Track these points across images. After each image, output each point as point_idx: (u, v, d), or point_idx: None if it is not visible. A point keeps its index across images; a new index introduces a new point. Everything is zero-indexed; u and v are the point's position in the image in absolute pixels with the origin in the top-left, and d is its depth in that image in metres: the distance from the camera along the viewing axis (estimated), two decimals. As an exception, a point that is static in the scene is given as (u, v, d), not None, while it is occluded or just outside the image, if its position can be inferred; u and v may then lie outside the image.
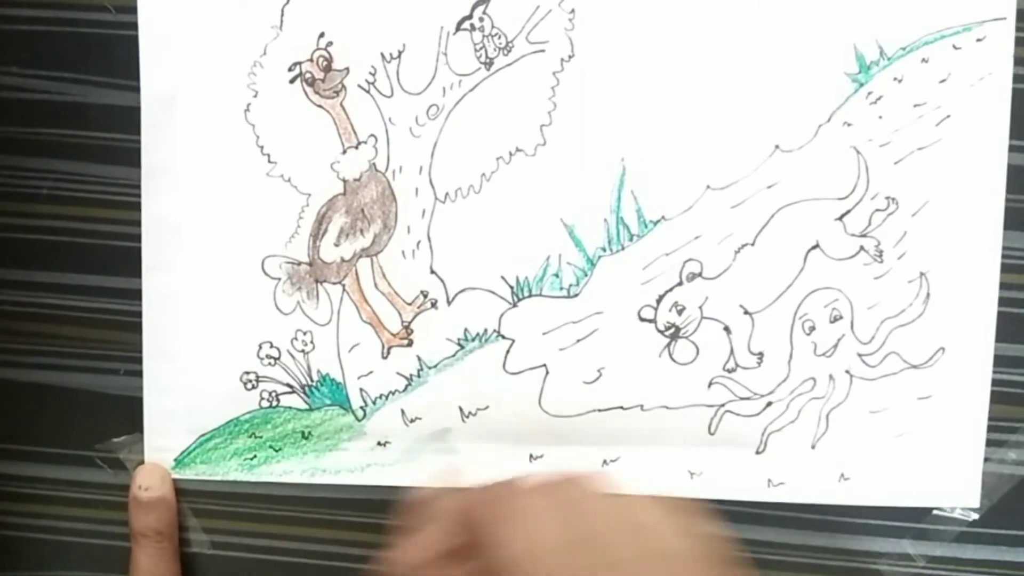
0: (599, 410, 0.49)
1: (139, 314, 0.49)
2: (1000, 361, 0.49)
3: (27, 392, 0.51)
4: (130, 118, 0.48)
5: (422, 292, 0.49)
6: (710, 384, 0.49)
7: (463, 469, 0.49)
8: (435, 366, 0.49)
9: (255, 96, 0.48)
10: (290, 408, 0.50)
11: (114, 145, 0.49)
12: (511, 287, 0.49)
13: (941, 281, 0.48)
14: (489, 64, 0.47)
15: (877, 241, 0.48)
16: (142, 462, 0.50)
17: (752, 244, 0.48)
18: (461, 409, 0.49)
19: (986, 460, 0.50)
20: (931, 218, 0.48)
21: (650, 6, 0.47)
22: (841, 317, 0.49)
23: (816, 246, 0.48)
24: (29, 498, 0.52)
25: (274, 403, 0.50)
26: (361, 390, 0.49)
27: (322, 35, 0.47)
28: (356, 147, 0.48)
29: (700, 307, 0.49)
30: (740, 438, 0.49)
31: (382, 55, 0.47)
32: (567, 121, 0.47)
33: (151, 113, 0.48)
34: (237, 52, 0.47)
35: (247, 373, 0.49)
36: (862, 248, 0.48)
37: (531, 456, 0.49)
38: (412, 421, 0.50)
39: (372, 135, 0.48)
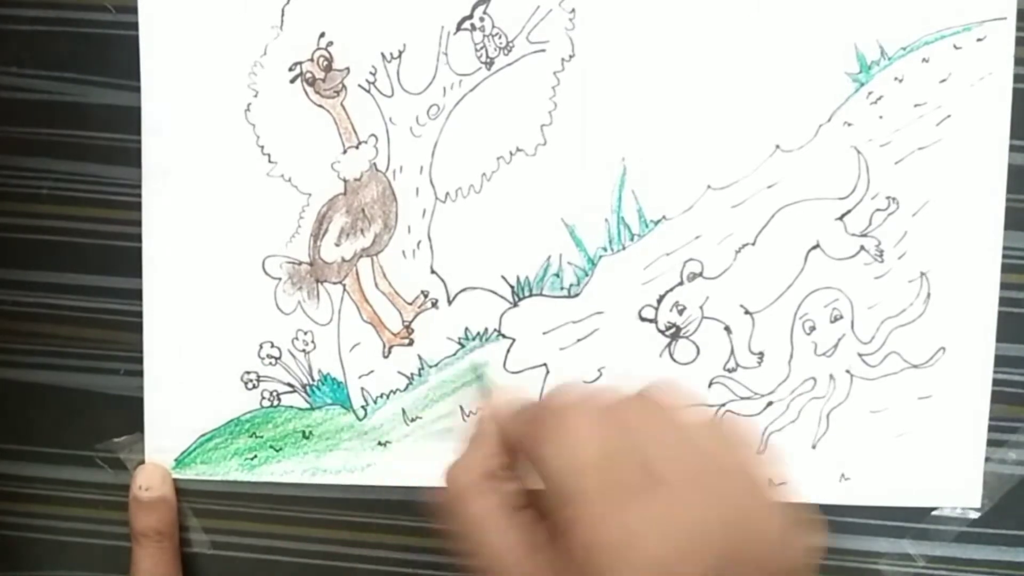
0: (599, 410, 0.49)
1: (139, 314, 0.49)
2: (1000, 361, 0.49)
3: (27, 392, 0.51)
4: (130, 118, 0.48)
5: (423, 292, 0.49)
6: (711, 384, 0.49)
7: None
8: (436, 365, 0.49)
9: (255, 96, 0.48)
10: (291, 408, 0.50)
11: (114, 145, 0.49)
12: (512, 287, 0.49)
13: (941, 281, 0.48)
14: (490, 64, 0.47)
15: (877, 241, 0.48)
16: (142, 462, 0.50)
17: (753, 244, 0.48)
18: (462, 409, 0.49)
19: (986, 460, 0.50)
20: (931, 218, 0.48)
21: (650, 6, 0.47)
22: (841, 317, 0.49)
23: (816, 246, 0.48)
24: (29, 498, 0.51)
25: (275, 403, 0.50)
26: (362, 389, 0.49)
27: (322, 35, 0.47)
28: (356, 147, 0.48)
29: (701, 307, 0.49)
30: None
31: (382, 55, 0.47)
32: (568, 121, 0.48)
33: (151, 113, 0.48)
34: (237, 52, 0.47)
35: (248, 373, 0.49)
36: (862, 248, 0.48)
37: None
38: (413, 421, 0.50)
39: (372, 135, 0.48)
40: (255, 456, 0.50)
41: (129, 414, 0.50)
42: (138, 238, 0.49)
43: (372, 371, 0.49)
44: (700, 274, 0.48)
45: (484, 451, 0.41)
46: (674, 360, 0.49)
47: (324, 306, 0.49)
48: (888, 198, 0.48)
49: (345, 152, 0.48)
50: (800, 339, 0.49)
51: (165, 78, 0.48)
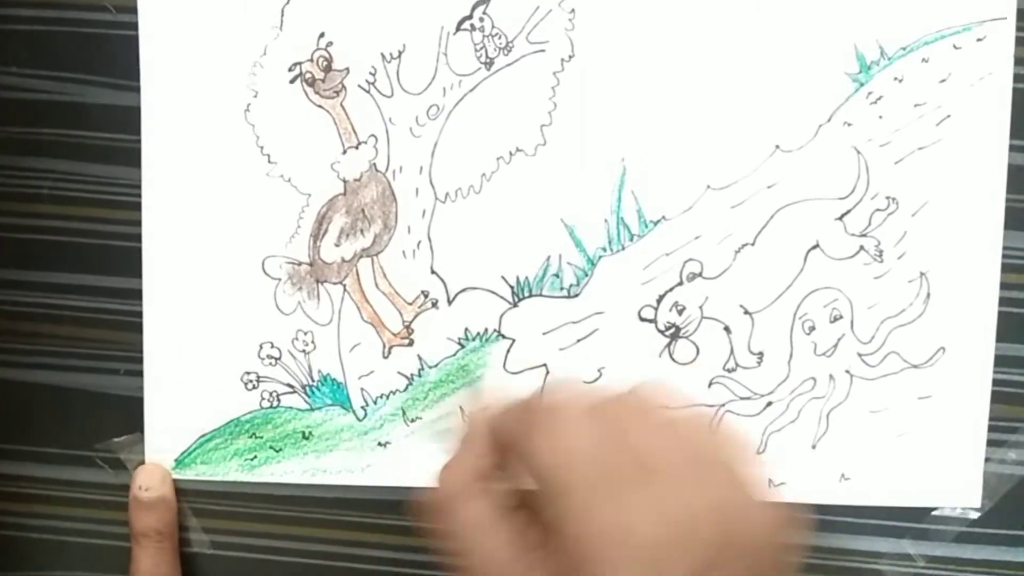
0: (599, 410, 0.49)
1: (139, 314, 0.49)
2: (1000, 361, 0.49)
3: (27, 392, 0.51)
4: (130, 118, 0.48)
5: (423, 292, 0.49)
6: (710, 384, 0.49)
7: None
8: (436, 366, 0.49)
9: (255, 96, 0.48)
10: (291, 408, 0.50)
11: (114, 145, 0.49)
12: (511, 287, 0.49)
13: (941, 281, 0.48)
14: (489, 64, 0.47)
15: (877, 241, 0.48)
16: (142, 462, 0.50)
17: (752, 244, 0.48)
18: (461, 409, 0.49)
19: (986, 460, 0.50)
20: (931, 218, 0.48)
21: (650, 6, 0.47)
22: (841, 317, 0.49)
23: (816, 246, 0.48)
24: (29, 498, 0.51)
25: (275, 403, 0.50)
26: (362, 390, 0.49)
27: (322, 35, 0.47)
28: (356, 147, 0.48)
29: (700, 307, 0.49)
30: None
31: (382, 55, 0.47)
32: (567, 121, 0.48)
33: (151, 113, 0.48)
34: (237, 52, 0.47)
35: (248, 373, 0.49)
36: (862, 248, 0.48)
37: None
38: (412, 421, 0.50)
39: (372, 135, 0.48)
40: (255, 456, 0.50)
41: (129, 414, 0.50)
42: (138, 238, 0.49)
43: (372, 371, 0.49)
44: (700, 274, 0.48)
45: (475, 452, 0.40)
46: (674, 360, 0.49)
47: (324, 306, 0.49)
48: (888, 198, 0.48)
49: (345, 152, 0.48)
50: (800, 339, 0.49)
51: (165, 78, 0.48)
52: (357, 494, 0.50)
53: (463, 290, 0.49)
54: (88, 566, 0.52)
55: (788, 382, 0.49)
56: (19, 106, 0.49)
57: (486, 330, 0.49)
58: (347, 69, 0.47)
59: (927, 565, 0.51)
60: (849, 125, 0.48)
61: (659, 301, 0.49)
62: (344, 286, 0.49)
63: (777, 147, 0.48)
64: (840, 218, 0.48)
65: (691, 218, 0.48)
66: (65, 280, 0.50)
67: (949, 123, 0.48)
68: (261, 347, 0.49)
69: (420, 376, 0.49)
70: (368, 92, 0.48)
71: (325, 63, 0.47)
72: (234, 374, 0.49)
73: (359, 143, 0.48)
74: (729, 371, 0.49)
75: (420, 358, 0.49)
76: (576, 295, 0.49)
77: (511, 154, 0.48)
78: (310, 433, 0.50)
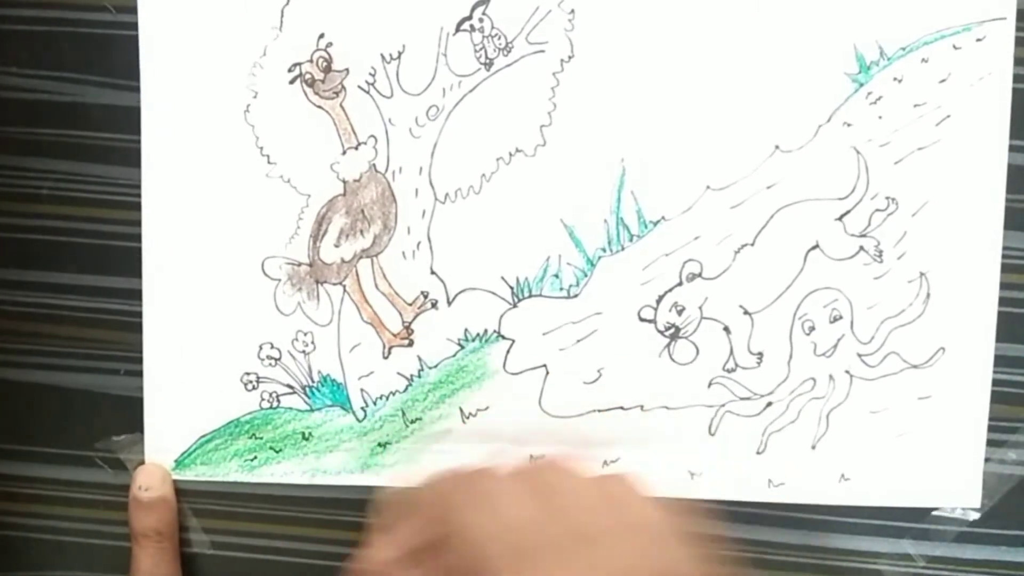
0: (599, 410, 0.49)
1: (139, 314, 0.49)
2: (1000, 361, 0.49)
3: (27, 392, 0.51)
4: (130, 118, 0.48)
5: (422, 292, 0.49)
6: (710, 384, 0.49)
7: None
8: (436, 366, 0.49)
9: (255, 97, 0.48)
10: (291, 409, 0.50)
11: (114, 145, 0.49)
12: (511, 287, 0.49)
13: (941, 281, 0.48)
14: (489, 65, 0.47)
15: (877, 241, 0.48)
16: (142, 462, 0.50)
17: (752, 244, 0.48)
18: (461, 410, 0.49)
19: (986, 460, 0.50)
20: (931, 218, 0.48)
21: (650, 7, 0.47)
22: (841, 317, 0.49)
23: (816, 246, 0.48)
24: (29, 498, 0.52)
25: (275, 404, 0.50)
26: (362, 390, 0.49)
27: (322, 36, 0.47)
28: (356, 148, 0.48)
29: (700, 307, 0.49)
30: (740, 438, 0.49)
31: (382, 56, 0.47)
32: (567, 122, 0.47)
33: (151, 113, 0.48)
34: (237, 52, 0.47)
35: (247, 374, 0.49)
36: (862, 248, 0.48)
37: (531, 456, 0.49)
38: (412, 422, 0.50)
39: (372, 136, 0.48)
40: (255, 457, 0.50)
41: (129, 414, 0.50)
42: (138, 238, 0.49)
43: (372, 372, 0.49)
44: (699, 274, 0.48)
45: (402, 533, 0.40)
46: (673, 360, 0.49)
47: (324, 307, 0.49)
48: (887, 198, 0.48)
49: (344, 153, 0.48)
50: (799, 339, 0.49)
51: (165, 78, 0.48)
52: (357, 494, 0.50)
53: (463, 291, 0.49)
54: (88, 566, 0.52)
55: (788, 382, 0.49)
56: (19, 106, 0.49)
57: (486, 331, 0.49)
58: (347, 70, 0.47)
59: (927, 565, 0.51)
60: (849, 125, 0.48)
61: (659, 301, 0.49)
62: (344, 287, 0.49)
63: (777, 147, 0.48)
64: (840, 218, 0.48)
65: (691, 218, 0.48)
66: (65, 280, 0.50)
67: (949, 123, 0.48)
68: (261, 348, 0.49)
69: (420, 377, 0.49)
70: (368, 93, 0.48)
71: (325, 64, 0.47)
72: (234, 375, 0.49)
73: (359, 144, 0.48)
74: (729, 371, 0.49)
75: (420, 359, 0.49)
76: (576, 295, 0.49)
77: (511, 155, 0.48)
78: (310, 434, 0.50)
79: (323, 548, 0.51)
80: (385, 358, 0.49)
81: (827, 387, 0.49)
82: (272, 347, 0.49)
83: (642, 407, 0.49)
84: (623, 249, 0.48)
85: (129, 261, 0.49)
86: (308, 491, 0.50)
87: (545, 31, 0.47)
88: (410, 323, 0.49)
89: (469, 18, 0.47)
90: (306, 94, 0.48)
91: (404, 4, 0.47)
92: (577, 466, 0.39)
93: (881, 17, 0.47)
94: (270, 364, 0.49)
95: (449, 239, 0.48)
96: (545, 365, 0.49)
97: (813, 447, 0.49)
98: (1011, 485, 0.50)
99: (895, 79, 0.48)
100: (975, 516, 0.50)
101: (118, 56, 0.48)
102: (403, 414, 0.49)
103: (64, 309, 0.50)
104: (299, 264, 0.49)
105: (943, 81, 0.48)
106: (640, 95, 0.47)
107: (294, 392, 0.49)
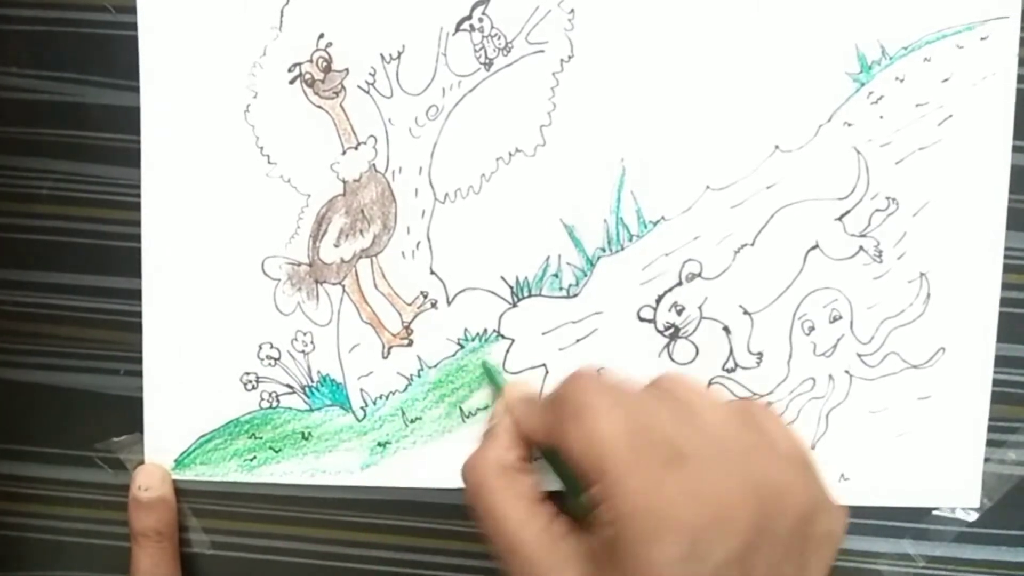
0: (599, 410, 0.49)
1: (139, 314, 0.49)
2: (1000, 361, 0.49)
3: (27, 392, 0.51)
4: (130, 118, 0.48)
5: (422, 292, 0.49)
6: (709, 384, 0.49)
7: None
8: (435, 366, 0.49)
9: (255, 97, 0.48)
10: (290, 409, 0.50)
11: (114, 145, 0.49)
12: (511, 287, 0.49)
13: (941, 281, 0.48)
14: (489, 65, 0.47)
15: (877, 241, 0.48)
16: (142, 462, 0.50)
17: (752, 244, 0.48)
18: (461, 409, 0.49)
19: (986, 460, 0.50)
20: (932, 218, 0.48)
21: (650, 6, 0.47)
22: (841, 317, 0.49)
23: (816, 246, 0.48)
24: (29, 498, 0.52)
25: (274, 404, 0.50)
26: (361, 390, 0.49)
27: (321, 36, 0.47)
28: (356, 148, 0.48)
29: (699, 307, 0.49)
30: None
31: (382, 56, 0.47)
32: (567, 121, 0.47)
33: (151, 113, 0.48)
34: (237, 53, 0.47)
35: (247, 374, 0.49)
36: (862, 248, 0.48)
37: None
38: (412, 421, 0.50)
39: (372, 136, 0.48)
40: (254, 457, 0.50)
41: (129, 414, 0.50)
42: (138, 238, 0.49)
43: (371, 372, 0.49)
44: (699, 274, 0.48)
45: (501, 444, 0.41)
46: (673, 360, 0.49)
47: (323, 307, 0.49)
48: (888, 198, 0.48)
49: (344, 153, 0.48)
50: (799, 339, 0.49)
51: (165, 78, 0.48)
52: (357, 494, 0.50)
53: (462, 290, 0.49)
54: (88, 566, 0.52)
55: (787, 382, 0.49)
56: (19, 106, 0.49)
57: (485, 330, 0.49)
58: (346, 70, 0.47)
59: (927, 565, 0.51)
60: (849, 125, 0.48)
61: (658, 301, 0.49)
62: (343, 287, 0.49)
63: (777, 147, 0.48)
64: (840, 218, 0.48)
65: (690, 218, 0.48)
66: (65, 280, 0.50)
67: (951, 123, 0.48)
68: (260, 348, 0.49)
69: (419, 376, 0.49)
70: (367, 93, 0.48)
71: (324, 64, 0.47)
72: (233, 374, 0.49)
73: (358, 144, 0.48)
74: (728, 371, 0.49)
75: (419, 358, 0.49)
76: (575, 295, 0.49)
77: (510, 155, 0.48)
78: (309, 434, 0.50)
79: (323, 548, 0.51)
80: (385, 358, 0.49)
81: (827, 387, 0.49)
82: (272, 347, 0.49)
83: (642, 407, 0.49)
84: (623, 249, 0.48)
85: (129, 261, 0.49)
86: (308, 491, 0.50)
87: (545, 31, 0.47)
88: (410, 323, 0.49)
89: (469, 18, 0.47)
90: (306, 94, 0.48)
91: (404, 4, 0.47)
92: (685, 384, 0.40)
93: (883, 16, 0.47)
94: (270, 364, 0.49)
95: (449, 239, 0.48)
96: (545, 365, 0.49)
97: (812, 447, 0.49)
98: (1011, 485, 0.50)
99: (897, 79, 0.47)
100: (975, 516, 0.50)
101: (118, 56, 0.48)
102: (403, 414, 0.50)
103: (64, 309, 0.50)
104: (299, 264, 0.49)
105: (945, 81, 0.47)
106: (640, 95, 0.47)
107: (294, 392, 0.49)
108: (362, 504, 0.51)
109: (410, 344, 0.49)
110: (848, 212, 0.48)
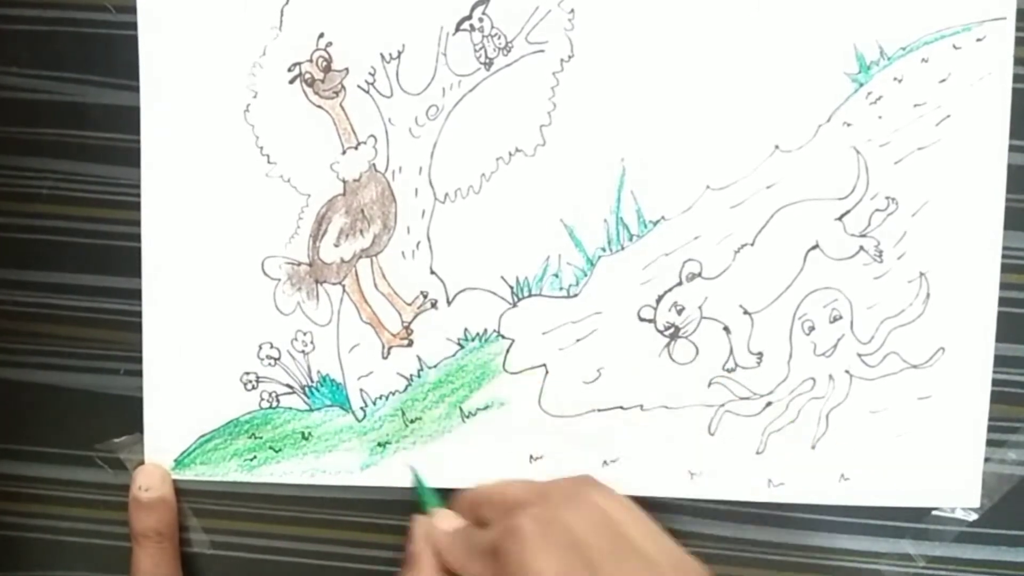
0: (599, 410, 0.49)
1: (139, 314, 0.49)
2: (1000, 361, 0.49)
3: (27, 392, 0.51)
4: (130, 118, 0.48)
5: (422, 292, 0.49)
6: (710, 384, 0.49)
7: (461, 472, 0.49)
8: (435, 366, 0.49)
9: (255, 96, 0.48)
10: (290, 409, 0.50)
11: (114, 145, 0.49)
12: (511, 287, 0.49)
13: (941, 281, 0.48)
14: (489, 64, 0.47)
15: (877, 241, 0.48)
16: (142, 462, 0.50)
17: (752, 244, 0.48)
18: (461, 409, 0.49)
19: (986, 460, 0.50)
20: (931, 218, 0.48)
21: (650, 6, 0.47)
22: (841, 317, 0.49)
23: (816, 246, 0.48)
24: (29, 498, 0.52)
25: (274, 404, 0.50)
26: (361, 390, 0.49)
27: (321, 35, 0.47)
28: (356, 147, 0.48)
29: (700, 307, 0.49)
30: (740, 438, 0.49)
31: (381, 55, 0.47)
32: (567, 121, 0.47)
33: (151, 113, 0.48)
34: (237, 52, 0.47)
35: (247, 374, 0.49)
36: (862, 248, 0.48)
37: (531, 456, 0.50)
38: (412, 421, 0.50)
39: (372, 135, 0.48)
40: (254, 457, 0.50)
41: (129, 414, 0.50)
42: (138, 238, 0.49)
43: (371, 372, 0.49)
44: (699, 274, 0.48)
45: (427, 572, 0.42)
46: (673, 360, 0.49)
47: (323, 307, 0.49)
48: (887, 198, 0.48)
49: (344, 153, 0.48)
50: (799, 339, 0.49)
51: (165, 78, 0.48)
52: (356, 494, 0.50)
53: (462, 290, 0.49)
54: (88, 566, 0.52)
55: (787, 382, 0.49)
56: (19, 106, 0.49)
57: (485, 330, 0.49)
58: (346, 69, 0.47)
59: (927, 565, 0.51)
60: (849, 125, 0.48)
61: (658, 301, 0.49)
62: (343, 286, 0.49)
63: (776, 147, 0.48)
64: (840, 218, 0.48)
65: (690, 218, 0.48)
66: (65, 280, 0.50)
67: (949, 123, 0.48)
68: (260, 347, 0.49)
69: (419, 376, 0.49)
70: (367, 92, 0.48)
71: (324, 63, 0.47)
72: (233, 374, 0.49)
73: (358, 143, 0.48)
74: (728, 371, 0.49)
75: (419, 358, 0.49)
76: (575, 295, 0.49)
77: (510, 154, 0.48)
78: (309, 433, 0.50)
79: (323, 548, 0.51)
80: (384, 358, 0.49)
81: (827, 387, 0.49)
82: (272, 347, 0.49)
83: (642, 407, 0.49)
84: (623, 249, 0.48)
85: (129, 261, 0.49)
86: (308, 491, 0.50)
87: (545, 31, 0.47)
88: (409, 323, 0.49)
89: (469, 18, 0.47)
90: (306, 94, 0.48)
91: (404, 4, 0.47)
92: (604, 496, 0.41)
93: (881, 17, 0.47)
94: (270, 364, 0.49)
95: (449, 239, 0.48)
96: (545, 365, 0.49)
97: (813, 447, 0.49)
98: (1011, 485, 0.50)
99: (895, 79, 0.48)
100: (975, 516, 0.50)
101: (118, 56, 0.48)
102: (402, 414, 0.50)
103: (64, 309, 0.50)
104: (299, 264, 0.49)
105: (943, 81, 0.48)
106: (640, 95, 0.47)
107: (293, 392, 0.49)
108: (362, 504, 0.51)
109: (410, 344, 0.49)
110: (848, 212, 0.48)
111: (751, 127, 0.48)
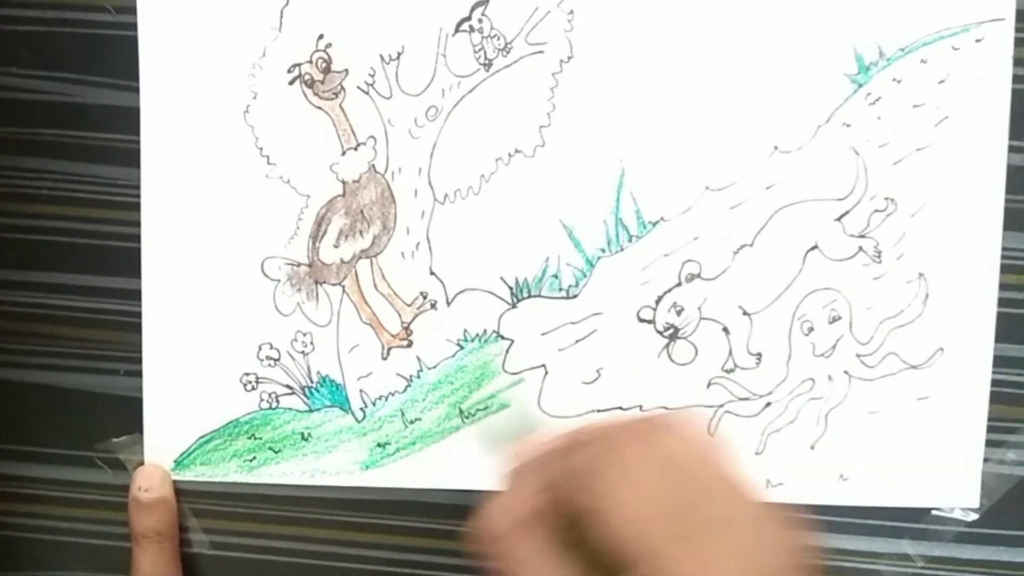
0: (598, 410, 0.49)
1: (139, 314, 0.49)
2: (999, 361, 0.49)
3: (27, 392, 0.51)
4: (130, 118, 0.48)
5: (421, 293, 0.49)
6: (709, 384, 0.49)
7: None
8: (435, 367, 0.49)
9: (254, 97, 0.48)
10: (290, 409, 0.50)
11: (114, 145, 0.49)
12: (510, 288, 0.49)
13: (940, 281, 0.48)
14: (488, 65, 0.47)
15: (876, 242, 0.48)
16: (142, 463, 0.50)
17: (751, 245, 0.48)
18: (461, 410, 0.49)
19: (985, 460, 0.50)
20: (930, 219, 0.48)
21: (649, 7, 0.47)
22: (840, 318, 0.49)
23: (815, 247, 0.48)
24: (29, 498, 0.52)
25: (274, 404, 0.50)
26: (361, 391, 0.49)
27: (321, 37, 0.47)
28: (355, 148, 0.48)
29: (699, 308, 0.49)
30: (739, 438, 0.49)
31: (381, 57, 0.47)
32: (566, 122, 0.48)
33: (151, 113, 0.48)
34: (236, 53, 0.47)
35: (247, 374, 0.49)
36: (861, 249, 0.48)
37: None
38: (412, 422, 0.50)
39: (371, 136, 0.48)
40: (254, 457, 0.50)
41: (129, 414, 0.50)
42: (138, 238, 0.49)
43: (371, 373, 0.49)
44: (698, 275, 0.48)
45: (526, 489, 0.40)
46: (672, 361, 0.49)
47: (323, 307, 0.49)
48: (886, 199, 0.48)
49: (344, 154, 0.48)
50: (798, 340, 0.49)
51: (164, 79, 0.48)
52: (356, 495, 0.50)
53: (462, 291, 0.49)
54: (88, 566, 0.52)
55: (787, 383, 0.49)
56: (19, 106, 0.49)
57: (485, 331, 0.49)
58: (346, 70, 0.47)
59: (926, 565, 0.51)
60: (848, 126, 0.48)
61: (658, 302, 0.49)
62: (343, 287, 0.49)
63: (776, 148, 0.48)
64: (839, 219, 0.48)
65: (690, 219, 0.48)
66: (65, 280, 0.50)
67: (948, 124, 0.48)
68: (260, 348, 0.49)
69: (419, 377, 0.49)
70: (367, 93, 0.48)
71: (324, 64, 0.47)
72: (233, 375, 0.49)
73: (358, 144, 0.48)
74: (728, 372, 0.49)
75: (419, 359, 0.49)
76: (575, 296, 0.49)
77: (510, 155, 0.48)
78: (309, 434, 0.50)
79: (323, 548, 0.51)
80: (384, 359, 0.49)
81: (826, 387, 0.49)
82: (271, 347, 0.49)
83: (641, 407, 0.49)
84: (622, 249, 0.48)
85: (129, 261, 0.49)
86: (307, 491, 0.50)
87: (544, 32, 0.47)
88: (409, 324, 0.49)
89: (468, 19, 0.47)
90: (305, 95, 0.48)
91: (403, 5, 0.47)
92: (692, 431, 0.39)
93: (880, 18, 0.47)
94: (269, 364, 0.49)
95: (448, 240, 0.48)
96: (544, 365, 0.49)
97: (812, 447, 0.50)
98: (1010, 485, 0.50)
99: (894, 80, 0.48)
100: (974, 516, 0.50)
101: (118, 56, 0.48)
102: (402, 414, 0.50)
103: (64, 309, 0.50)
104: (298, 264, 0.49)
105: (942, 82, 0.48)
106: (639, 95, 0.47)
107: (293, 392, 0.49)
108: (362, 504, 0.51)
109: (410, 345, 0.49)
110: (847, 213, 0.48)
111: (750, 128, 0.48)
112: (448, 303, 0.49)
